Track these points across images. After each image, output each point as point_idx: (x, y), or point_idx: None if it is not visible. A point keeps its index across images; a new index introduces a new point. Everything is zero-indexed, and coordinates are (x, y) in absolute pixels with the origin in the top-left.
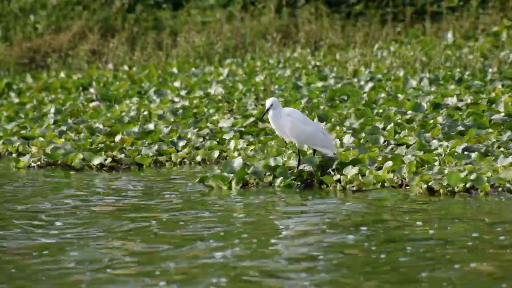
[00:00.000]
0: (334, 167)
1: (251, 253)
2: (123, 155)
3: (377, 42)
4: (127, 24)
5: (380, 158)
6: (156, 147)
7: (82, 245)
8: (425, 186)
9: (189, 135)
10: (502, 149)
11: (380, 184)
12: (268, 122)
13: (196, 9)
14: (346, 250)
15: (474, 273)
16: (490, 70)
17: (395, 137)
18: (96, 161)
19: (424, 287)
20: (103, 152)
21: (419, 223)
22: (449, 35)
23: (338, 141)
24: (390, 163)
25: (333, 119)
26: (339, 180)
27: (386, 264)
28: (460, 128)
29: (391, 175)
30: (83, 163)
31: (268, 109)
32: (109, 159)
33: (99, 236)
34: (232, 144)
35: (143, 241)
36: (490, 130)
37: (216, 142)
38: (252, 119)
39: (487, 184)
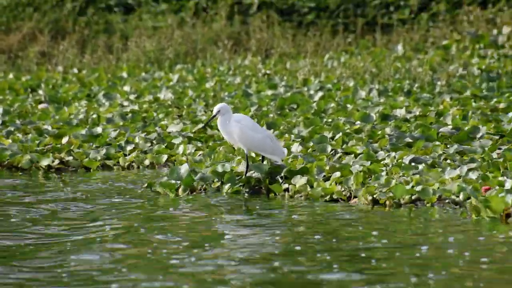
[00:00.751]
0: (282, 174)
1: (187, 259)
2: (71, 158)
3: (327, 52)
4: (78, 26)
5: (327, 168)
6: (104, 151)
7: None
8: (370, 198)
9: (136, 140)
10: (448, 161)
11: (328, 196)
12: (217, 129)
13: (147, 14)
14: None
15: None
16: (439, 83)
17: (343, 147)
18: (44, 162)
19: None
20: (50, 154)
21: (359, 234)
22: (399, 47)
23: (285, 150)
24: (337, 173)
25: (281, 127)
26: (287, 189)
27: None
28: (408, 139)
29: (339, 187)
30: (30, 164)
31: (214, 116)
32: (57, 161)
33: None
34: (181, 149)
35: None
36: (437, 142)
37: (164, 146)
38: (201, 125)
39: (433, 196)
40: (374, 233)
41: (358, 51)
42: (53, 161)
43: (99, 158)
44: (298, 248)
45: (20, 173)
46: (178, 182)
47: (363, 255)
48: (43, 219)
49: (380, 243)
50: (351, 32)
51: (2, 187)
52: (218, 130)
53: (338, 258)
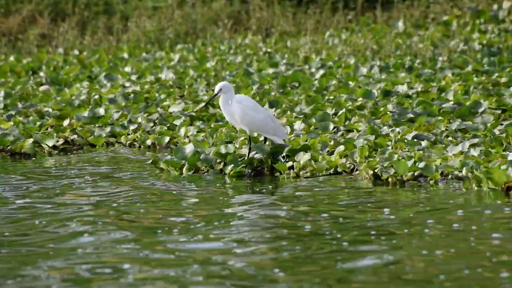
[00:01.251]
0: (284, 154)
1: (194, 238)
2: (75, 136)
3: (328, 30)
4: (78, 8)
5: (332, 143)
6: (108, 128)
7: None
8: (371, 172)
9: (139, 120)
10: (450, 138)
11: (333, 169)
12: (219, 107)
13: None
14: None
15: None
16: (440, 58)
17: (345, 124)
18: (49, 143)
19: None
20: (54, 134)
21: (360, 208)
22: (400, 23)
23: (288, 128)
24: (341, 147)
25: (283, 105)
26: (291, 167)
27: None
28: (410, 115)
29: (343, 160)
30: (34, 148)
31: (215, 95)
32: (61, 141)
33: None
34: (182, 131)
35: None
36: (440, 118)
37: (166, 128)
38: (202, 104)
39: (436, 172)
40: (383, 209)
41: (359, 28)
42: (57, 141)
43: (103, 135)
44: (307, 227)
45: (24, 159)
46: (182, 161)
47: (372, 232)
48: (50, 197)
49: (388, 219)
50: (351, 9)
51: (9, 171)
52: (220, 109)
53: (346, 235)
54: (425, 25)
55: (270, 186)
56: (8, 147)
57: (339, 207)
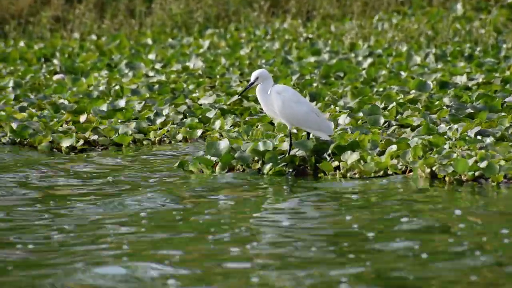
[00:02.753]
0: (330, 151)
1: (235, 244)
2: (96, 136)
3: (377, 13)
4: None
5: (382, 142)
6: (134, 124)
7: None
8: (428, 170)
9: (166, 112)
10: None
11: (382, 171)
12: (255, 100)
13: None
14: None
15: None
16: (504, 46)
17: (397, 118)
18: (66, 143)
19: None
20: (74, 134)
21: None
22: (459, 6)
23: (332, 124)
24: (394, 147)
25: (326, 98)
26: (338, 167)
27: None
28: (470, 110)
29: (394, 161)
30: (50, 147)
31: (251, 84)
32: (81, 141)
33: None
34: (217, 124)
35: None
36: (503, 113)
37: (197, 120)
38: (236, 96)
39: (499, 174)
40: (450, 211)
41: (412, 11)
42: (77, 141)
43: (130, 132)
44: (369, 236)
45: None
46: (215, 158)
47: (422, 237)
48: (74, 199)
49: (444, 222)
50: None
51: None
52: (257, 102)
53: (424, 247)
54: (487, 8)
55: (315, 188)
56: (26, 140)
57: (390, 210)
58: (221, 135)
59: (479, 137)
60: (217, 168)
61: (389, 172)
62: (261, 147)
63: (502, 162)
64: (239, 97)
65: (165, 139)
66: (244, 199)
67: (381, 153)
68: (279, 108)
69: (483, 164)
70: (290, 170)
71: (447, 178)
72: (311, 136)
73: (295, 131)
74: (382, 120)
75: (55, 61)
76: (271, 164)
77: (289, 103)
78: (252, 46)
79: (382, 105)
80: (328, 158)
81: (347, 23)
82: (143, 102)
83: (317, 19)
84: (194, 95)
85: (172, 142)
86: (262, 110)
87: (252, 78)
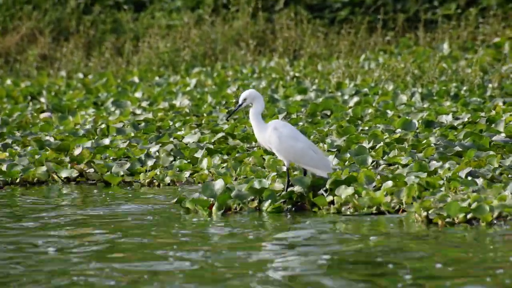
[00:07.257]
0: (327, 187)
1: None
2: (91, 170)
3: (364, 52)
4: (83, 26)
5: (378, 177)
6: (128, 165)
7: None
8: (424, 214)
9: (152, 152)
10: (504, 175)
11: (375, 207)
12: (240, 139)
13: (161, 11)
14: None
15: None
16: (490, 85)
17: (384, 158)
18: (63, 174)
19: None
20: (69, 165)
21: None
22: (445, 46)
23: (330, 159)
24: (389, 183)
25: (312, 136)
26: (332, 202)
27: None
28: (458, 148)
29: (388, 198)
30: (48, 175)
31: (239, 106)
32: (76, 173)
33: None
34: (205, 162)
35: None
36: (492, 152)
37: (186, 162)
38: (221, 134)
39: (489, 213)
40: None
41: (398, 51)
42: (72, 173)
43: (121, 173)
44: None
45: (36, 188)
46: (211, 199)
47: (421, 282)
48: (68, 238)
49: (445, 270)
50: (390, 30)
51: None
52: (243, 140)
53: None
54: (473, 48)
55: (308, 223)
56: (17, 179)
57: (386, 251)
58: (210, 172)
59: (469, 177)
60: (214, 208)
61: (382, 208)
62: (257, 185)
63: (494, 203)
64: (227, 119)
65: (154, 181)
66: (249, 238)
67: (377, 188)
68: (275, 145)
69: (473, 206)
70: (289, 206)
71: (439, 222)
72: (308, 173)
73: (288, 166)
74: (370, 160)
75: (42, 99)
76: (269, 201)
77: (286, 139)
78: (238, 84)
79: (369, 145)
80: (325, 194)
81: (334, 62)
82: (128, 141)
83: (304, 58)
84: (179, 133)
85: (161, 185)
86: (249, 148)
87: (240, 100)
